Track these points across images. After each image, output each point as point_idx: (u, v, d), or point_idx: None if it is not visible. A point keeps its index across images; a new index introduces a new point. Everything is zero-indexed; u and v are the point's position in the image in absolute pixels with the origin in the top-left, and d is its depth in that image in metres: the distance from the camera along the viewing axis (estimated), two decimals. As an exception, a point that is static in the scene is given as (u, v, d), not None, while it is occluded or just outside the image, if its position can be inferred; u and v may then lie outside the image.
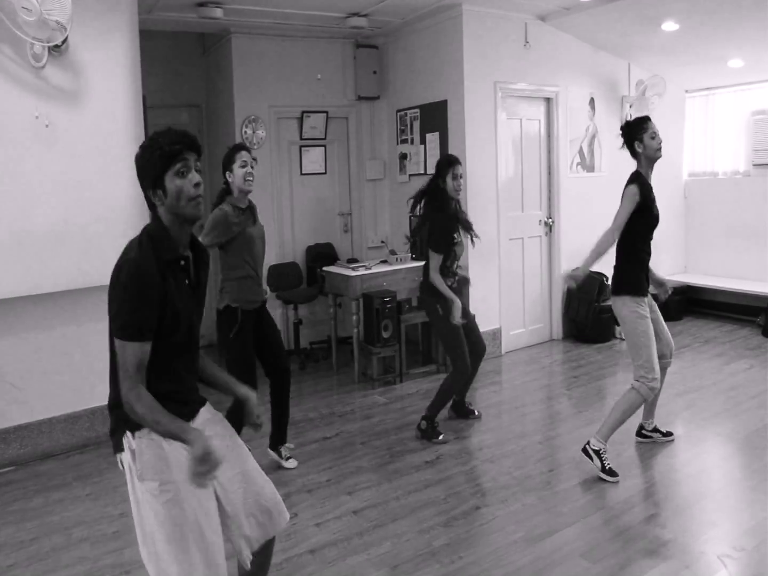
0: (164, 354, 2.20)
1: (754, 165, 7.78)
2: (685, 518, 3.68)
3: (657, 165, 4.28)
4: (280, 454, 4.49)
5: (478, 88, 6.53)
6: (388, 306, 6.06)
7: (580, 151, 7.44)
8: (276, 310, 6.65)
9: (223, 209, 4.07)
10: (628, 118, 7.59)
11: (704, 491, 4.01)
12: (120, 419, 2.24)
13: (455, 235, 4.86)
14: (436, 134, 6.86)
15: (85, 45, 4.52)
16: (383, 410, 5.55)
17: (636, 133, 4.18)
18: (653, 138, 4.15)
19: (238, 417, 2.61)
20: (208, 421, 2.38)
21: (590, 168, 7.56)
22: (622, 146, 4.30)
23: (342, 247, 7.73)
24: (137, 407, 2.09)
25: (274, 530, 2.47)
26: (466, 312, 5.01)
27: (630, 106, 7.65)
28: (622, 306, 4.23)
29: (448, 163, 4.83)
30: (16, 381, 4.70)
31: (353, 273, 6.18)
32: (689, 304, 8.15)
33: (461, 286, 5.09)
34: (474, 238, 5.03)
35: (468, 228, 4.98)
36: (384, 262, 6.60)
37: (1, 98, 4.27)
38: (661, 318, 4.43)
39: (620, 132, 4.32)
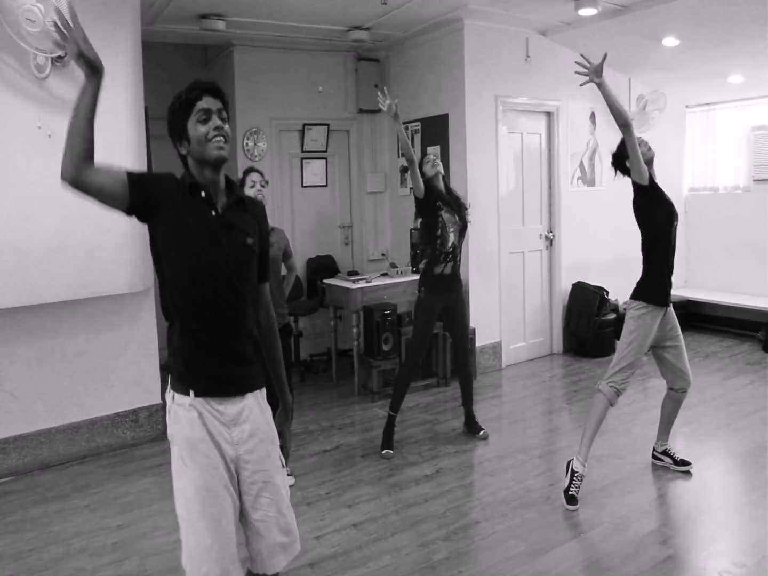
0: (187, 295, 2.20)
1: (755, 180, 7.80)
2: (685, 534, 3.67)
3: (657, 180, 4.24)
4: None
5: (479, 101, 6.56)
6: (389, 319, 6.06)
7: (581, 166, 7.46)
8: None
9: None
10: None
11: (705, 507, 4.00)
12: (168, 369, 2.32)
13: (438, 202, 4.90)
14: (437, 147, 6.88)
15: (88, 56, 4.53)
16: (383, 423, 5.52)
17: (623, 153, 4.18)
18: (649, 150, 4.17)
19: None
20: (252, 411, 2.29)
21: (591, 182, 7.58)
22: (615, 175, 4.32)
23: (342, 260, 7.73)
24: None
25: (287, 558, 2.38)
26: (461, 315, 5.06)
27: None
28: (629, 308, 4.21)
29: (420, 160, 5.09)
30: (16, 391, 4.69)
31: (354, 286, 6.18)
32: (690, 318, 8.15)
33: (453, 281, 5.01)
34: (466, 215, 5.05)
35: (454, 203, 5.00)
36: (384, 275, 6.60)
37: (5, 108, 4.29)
38: (683, 349, 4.31)
39: (611, 165, 4.33)
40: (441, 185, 5.00)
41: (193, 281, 2.19)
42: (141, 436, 5.18)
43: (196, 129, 2.18)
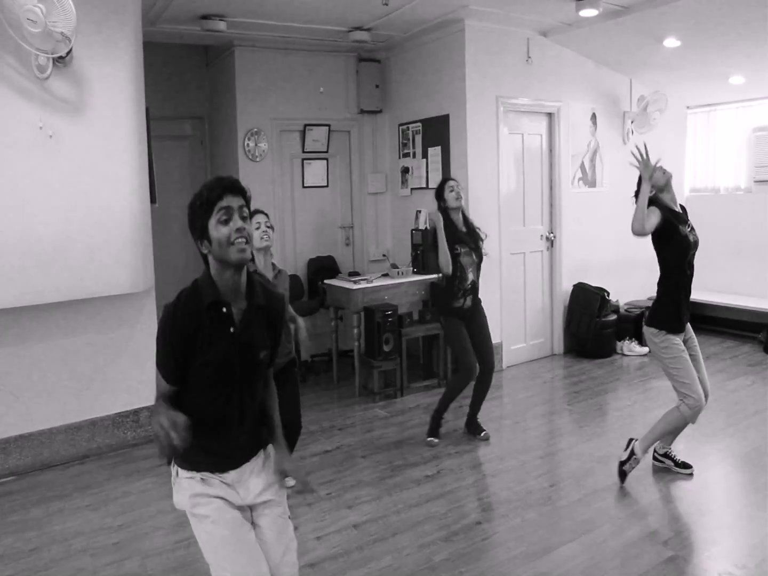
0: (199, 397, 2.26)
1: (756, 181, 7.79)
2: (686, 535, 3.66)
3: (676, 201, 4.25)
4: None
5: (480, 102, 6.56)
6: (390, 319, 6.06)
7: (582, 166, 7.46)
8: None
9: None
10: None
11: (706, 508, 4.00)
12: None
13: (456, 246, 4.89)
14: (438, 148, 6.88)
15: (89, 57, 4.54)
16: (384, 424, 5.54)
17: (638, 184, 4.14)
18: (664, 173, 4.14)
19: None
20: (255, 469, 2.38)
21: (592, 183, 7.58)
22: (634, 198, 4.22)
23: (343, 260, 7.73)
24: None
25: None
26: (479, 326, 5.05)
27: (632, 122, 7.68)
28: (649, 336, 4.26)
29: (442, 182, 5.08)
30: (17, 390, 4.69)
31: (354, 286, 6.18)
32: (690, 319, 8.11)
33: (475, 308, 5.04)
34: (482, 246, 5.06)
35: (472, 240, 5.00)
36: (385, 275, 6.60)
37: (6, 109, 4.28)
38: (701, 360, 4.37)
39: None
40: (460, 218, 5.02)
41: (210, 388, 2.25)
42: (142, 436, 5.17)
43: (217, 230, 2.15)
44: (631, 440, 4.32)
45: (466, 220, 5.07)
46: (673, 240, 4.11)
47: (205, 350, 2.18)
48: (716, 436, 5.03)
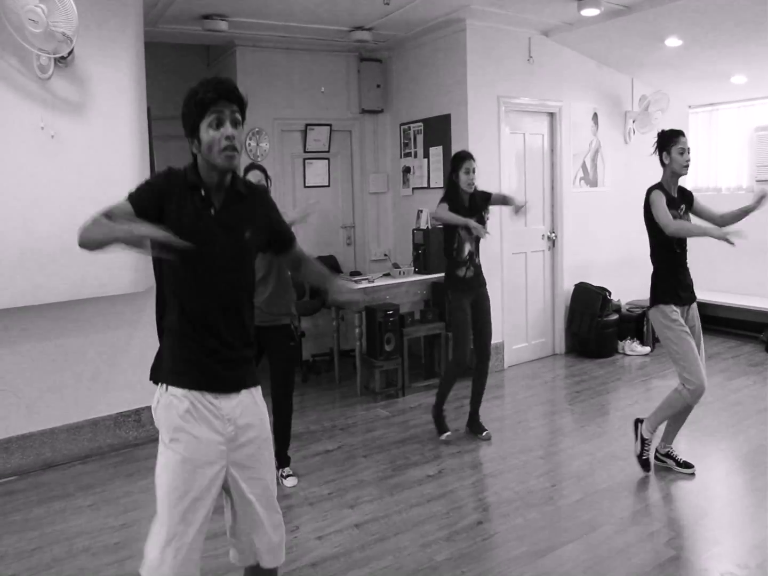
0: (183, 297, 2.24)
1: (757, 181, 7.78)
2: (687, 535, 3.67)
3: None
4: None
5: (482, 102, 6.56)
6: (391, 319, 6.06)
7: (583, 166, 7.46)
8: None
9: None
10: (633, 128, 7.64)
11: (707, 508, 4.00)
12: (155, 365, 2.35)
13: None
14: (440, 148, 6.88)
15: (90, 57, 4.55)
16: (385, 423, 5.54)
17: (666, 144, 4.21)
18: (681, 153, 4.18)
19: None
20: (247, 407, 2.30)
21: (593, 183, 7.57)
22: (654, 152, 4.29)
23: (345, 260, 7.73)
24: (79, 234, 2.10)
25: (276, 562, 2.42)
26: (483, 312, 5.09)
27: (633, 122, 7.68)
28: (653, 317, 4.30)
29: (461, 158, 5.04)
30: (19, 390, 4.70)
31: (356, 286, 6.17)
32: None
33: (477, 279, 5.07)
34: (486, 222, 5.06)
35: (473, 216, 4.95)
36: (387, 275, 6.60)
37: (8, 109, 4.28)
38: (702, 339, 4.35)
39: (655, 139, 4.31)
40: (467, 196, 5.01)
41: (193, 280, 2.22)
42: (144, 436, 5.17)
43: (207, 133, 2.16)
44: (637, 424, 4.44)
45: (473, 197, 5.04)
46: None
47: (179, 218, 2.16)
48: (717, 436, 5.03)
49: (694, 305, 4.34)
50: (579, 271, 7.44)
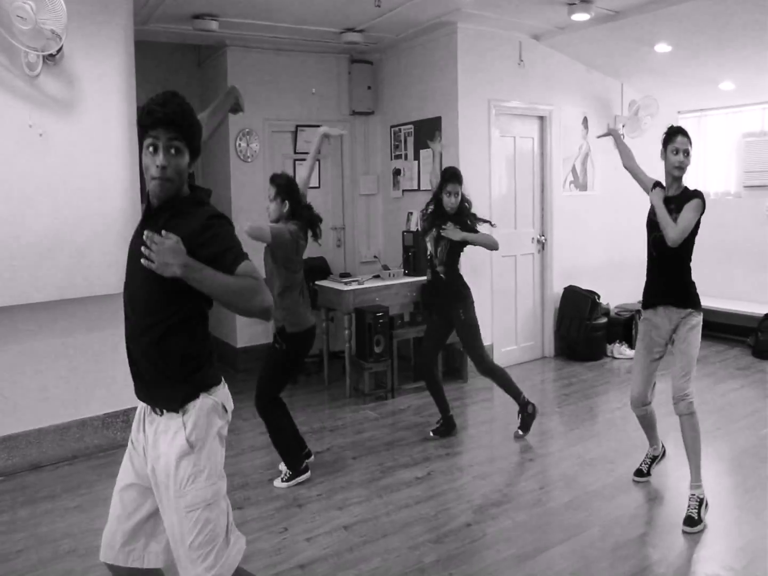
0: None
1: (745, 187, 7.84)
2: (674, 538, 3.67)
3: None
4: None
5: (472, 105, 6.57)
6: (381, 321, 6.06)
7: (573, 170, 7.48)
8: (268, 324, 6.62)
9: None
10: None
11: (695, 510, 4.00)
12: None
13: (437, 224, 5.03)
14: (430, 150, 6.87)
15: (80, 55, 4.53)
16: (374, 425, 5.54)
17: (664, 141, 4.17)
18: (675, 153, 4.11)
19: None
20: (159, 437, 2.21)
21: (583, 187, 7.60)
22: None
23: (335, 262, 7.72)
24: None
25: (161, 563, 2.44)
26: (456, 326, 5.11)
27: (623, 126, 7.71)
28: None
29: (443, 178, 5.06)
30: (5, 390, 4.66)
31: (346, 288, 6.17)
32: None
33: (434, 288, 5.19)
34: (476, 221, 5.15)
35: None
36: (377, 277, 6.60)
37: (-4, 107, 4.27)
38: (679, 357, 3.92)
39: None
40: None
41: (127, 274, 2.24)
42: (131, 437, 5.14)
43: (145, 156, 2.10)
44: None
45: (460, 211, 5.05)
46: (648, 219, 4.14)
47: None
48: (705, 440, 5.01)
49: (690, 316, 3.96)
50: (568, 275, 7.46)
